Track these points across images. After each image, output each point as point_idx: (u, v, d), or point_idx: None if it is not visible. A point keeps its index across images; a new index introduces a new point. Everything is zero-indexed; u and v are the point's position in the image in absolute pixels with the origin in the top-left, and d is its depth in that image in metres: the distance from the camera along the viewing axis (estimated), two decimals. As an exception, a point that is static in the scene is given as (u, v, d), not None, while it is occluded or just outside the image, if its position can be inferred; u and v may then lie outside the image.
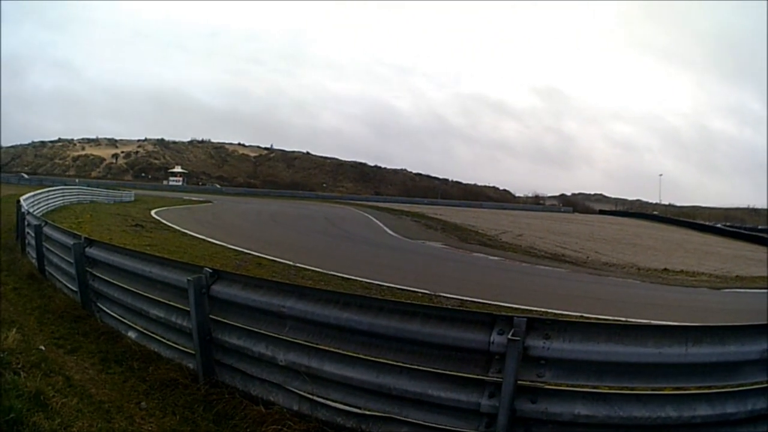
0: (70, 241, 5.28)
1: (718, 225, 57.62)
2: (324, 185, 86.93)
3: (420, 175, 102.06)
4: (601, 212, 79.92)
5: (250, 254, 11.65)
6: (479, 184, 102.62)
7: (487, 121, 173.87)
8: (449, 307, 6.50)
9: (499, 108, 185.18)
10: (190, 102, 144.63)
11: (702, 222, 62.00)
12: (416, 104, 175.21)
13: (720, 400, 2.81)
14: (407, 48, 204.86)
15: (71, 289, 5.45)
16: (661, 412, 2.76)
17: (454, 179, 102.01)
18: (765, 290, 14.44)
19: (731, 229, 52.40)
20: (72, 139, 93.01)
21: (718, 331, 2.84)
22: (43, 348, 4.26)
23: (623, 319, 7.12)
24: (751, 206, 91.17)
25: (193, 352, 3.47)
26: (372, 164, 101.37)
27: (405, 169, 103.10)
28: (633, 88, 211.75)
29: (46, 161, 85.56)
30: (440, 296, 8.08)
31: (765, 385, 2.96)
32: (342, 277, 9.32)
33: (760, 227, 62.34)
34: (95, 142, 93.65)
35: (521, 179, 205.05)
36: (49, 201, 18.52)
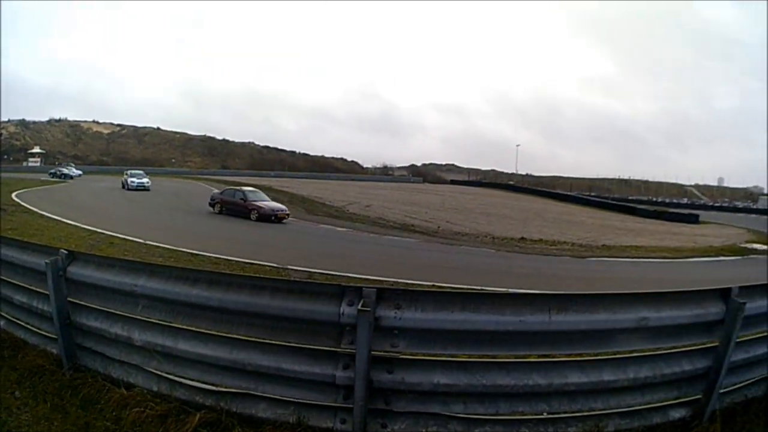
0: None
1: (583, 195, 57.84)
2: (173, 161, 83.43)
3: (267, 147, 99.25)
4: (453, 182, 76.49)
5: (102, 233, 11.56)
6: (327, 155, 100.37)
7: (296, 85, 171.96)
8: (298, 279, 6.53)
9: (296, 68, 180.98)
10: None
11: (563, 192, 61.43)
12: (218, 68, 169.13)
13: (594, 368, 2.85)
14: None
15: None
16: (528, 379, 2.78)
17: (302, 151, 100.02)
18: (639, 259, 14.42)
19: (597, 199, 52.68)
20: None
21: (584, 299, 2.85)
22: None
23: (479, 288, 7.22)
24: (620, 177, 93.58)
25: (55, 336, 3.28)
26: (220, 138, 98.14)
27: (252, 142, 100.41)
28: (449, 49, 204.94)
29: None
30: (288, 269, 8.08)
31: (646, 354, 3.00)
32: (191, 254, 9.31)
33: (630, 197, 63.87)
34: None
35: (370, 151, 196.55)
36: None
